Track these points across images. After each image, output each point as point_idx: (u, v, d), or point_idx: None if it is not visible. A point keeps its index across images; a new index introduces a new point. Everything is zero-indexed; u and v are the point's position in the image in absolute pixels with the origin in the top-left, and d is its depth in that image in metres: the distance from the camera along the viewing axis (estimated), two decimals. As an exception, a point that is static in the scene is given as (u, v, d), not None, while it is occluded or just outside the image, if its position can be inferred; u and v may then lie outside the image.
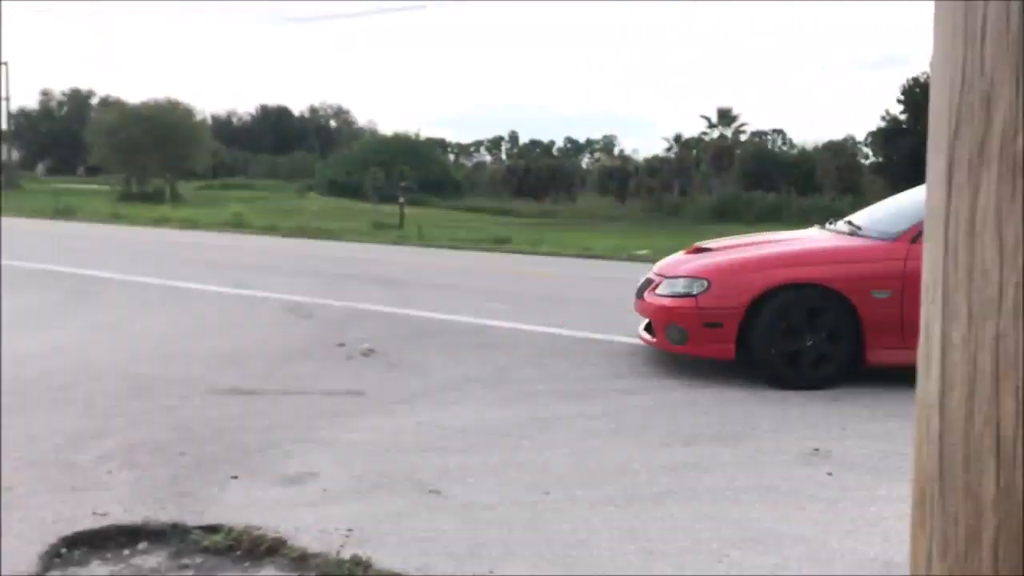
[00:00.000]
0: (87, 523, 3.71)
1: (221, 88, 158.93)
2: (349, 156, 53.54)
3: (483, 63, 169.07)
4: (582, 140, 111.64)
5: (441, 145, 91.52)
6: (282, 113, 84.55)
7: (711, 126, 57.63)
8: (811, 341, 5.83)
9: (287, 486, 4.17)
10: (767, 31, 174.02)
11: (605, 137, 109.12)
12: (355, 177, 44.10)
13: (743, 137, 59.44)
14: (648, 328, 6.42)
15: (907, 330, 5.96)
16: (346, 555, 3.38)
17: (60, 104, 68.03)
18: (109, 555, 3.52)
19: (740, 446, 4.83)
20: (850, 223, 6.74)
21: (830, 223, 7.08)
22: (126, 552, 3.54)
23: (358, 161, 48.80)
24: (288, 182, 53.83)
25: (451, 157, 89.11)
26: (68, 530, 3.64)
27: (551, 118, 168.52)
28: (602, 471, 4.41)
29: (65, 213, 26.37)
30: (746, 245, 6.82)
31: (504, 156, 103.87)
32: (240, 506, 3.92)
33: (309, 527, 3.68)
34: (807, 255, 6.29)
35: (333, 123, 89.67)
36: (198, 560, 3.48)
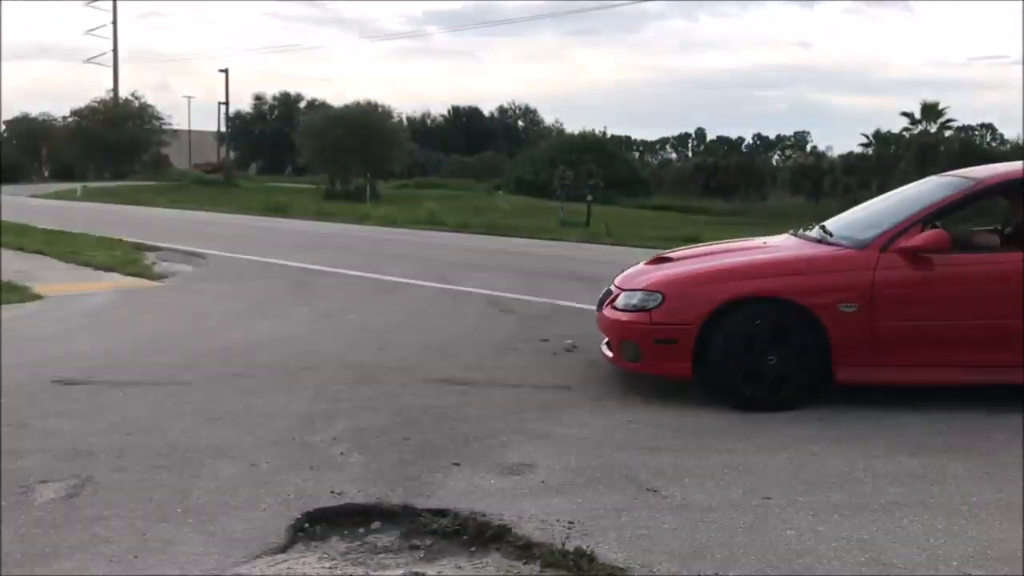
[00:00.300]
0: (326, 501, 3.97)
1: (416, 90, 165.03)
2: (537, 155, 54.20)
3: (666, 59, 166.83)
4: (772, 136, 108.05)
5: (627, 143, 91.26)
6: (473, 114, 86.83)
7: (914, 122, 54.31)
8: (773, 358, 5.33)
9: (506, 475, 4.29)
10: (968, 24, 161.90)
11: (797, 134, 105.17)
12: (542, 176, 44.63)
13: (948, 133, 55.61)
14: (609, 344, 6.01)
15: (878, 346, 5.40)
16: (570, 547, 3.44)
17: (272, 108, 72.74)
18: (346, 532, 3.75)
19: (973, 459, 4.55)
20: (823, 228, 6.23)
21: (804, 228, 6.48)
22: (361, 530, 3.76)
23: (545, 160, 49.33)
24: (478, 181, 55.18)
25: (636, 155, 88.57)
26: (310, 506, 3.90)
27: (740, 115, 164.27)
28: (824, 478, 4.27)
29: (276, 210, 28.17)
30: (707, 254, 6.37)
31: (690, 153, 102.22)
32: (463, 492, 4.07)
33: (531, 517, 3.77)
34: (767, 265, 5.81)
35: (521, 123, 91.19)
36: (427, 542, 3.64)
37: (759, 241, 6.69)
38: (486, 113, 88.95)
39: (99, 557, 3.37)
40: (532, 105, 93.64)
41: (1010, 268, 5.44)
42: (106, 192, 39.97)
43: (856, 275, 5.43)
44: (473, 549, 3.58)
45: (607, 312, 5.86)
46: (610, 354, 5.92)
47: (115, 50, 64.59)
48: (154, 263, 12.88)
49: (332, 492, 4.05)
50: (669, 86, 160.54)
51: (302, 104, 72.53)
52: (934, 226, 5.59)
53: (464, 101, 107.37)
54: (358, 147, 44.25)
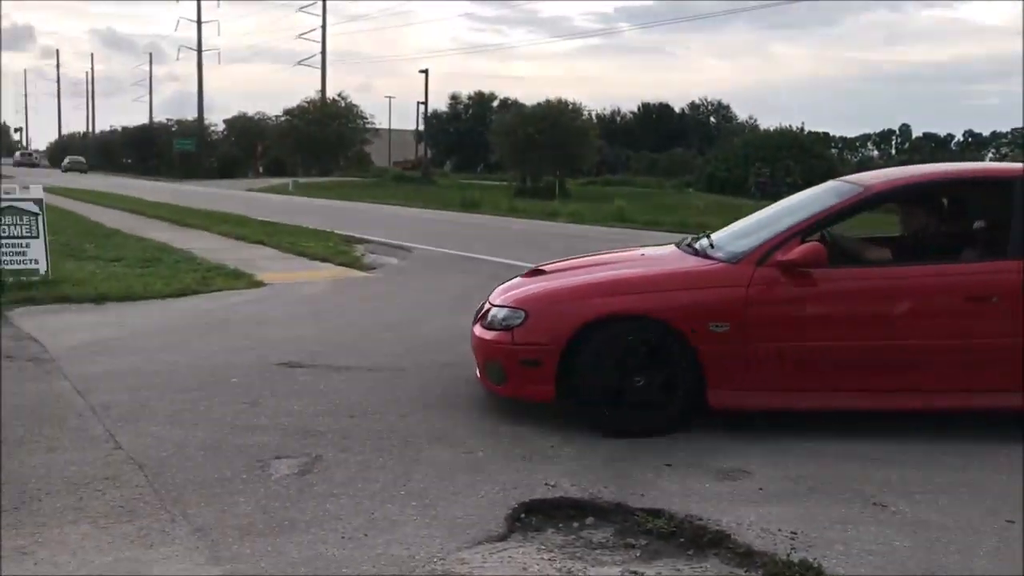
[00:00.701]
0: (541, 492, 4.02)
1: (606, 88, 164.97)
2: (730, 152, 52.87)
3: (869, 53, 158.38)
4: (985, 133, 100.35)
5: (825, 140, 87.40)
6: (663, 111, 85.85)
7: None
8: (641, 382, 4.84)
9: (721, 480, 4.19)
10: None
11: (1015, 130, 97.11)
12: (736, 173, 43.50)
13: None
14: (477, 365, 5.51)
15: (752, 368, 4.85)
16: (795, 558, 3.31)
17: (466, 107, 74.87)
18: (561, 525, 3.77)
19: None
20: (708, 239, 5.62)
21: (694, 239, 5.79)
22: (575, 524, 3.78)
23: (739, 157, 48.04)
24: (666, 179, 54.49)
25: (835, 152, 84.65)
26: (525, 497, 3.96)
27: (948, 111, 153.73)
28: (1076, 504, 3.90)
29: (470, 206, 28.91)
30: (580, 268, 5.81)
31: (893, 151, 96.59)
32: (677, 493, 4.01)
33: (751, 524, 3.66)
34: (635, 281, 5.26)
35: (712, 120, 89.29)
36: (642, 541, 3.61)
37: (638, 252, 6.19)
38: (676, 110, 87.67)
39: (332, 533, 3.55)
40: (724, 101, 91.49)
41: (900, 284, 4.93)
42: (314, 187, 42.43)
43: (728, 292, 4.90)
44: (690, 552, 3.51)
45: (475, 329, 5.39)
46: (479, 375, 5.43)
47: (323, 53, 68.41)
48: (363, 255, 13.52)
49: (546, 484, 4.10)
50: (871, 81, 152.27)
51: (495, 103, 74.14)
52: (822, 238, 5.24)
53: (654, 98, 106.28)
54: (548, 145, 44.71)
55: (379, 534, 3.55)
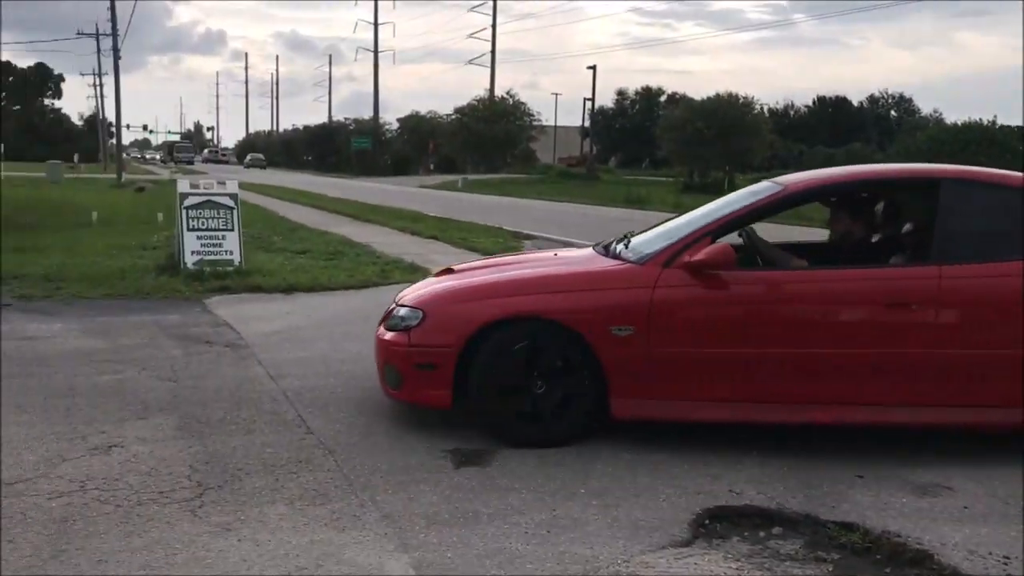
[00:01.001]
0: (725, 499, 3.90)
1: (779, 81, 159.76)
2: (912, 147, 50.06)
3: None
4: None
5: (1021, 134, 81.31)
6: (840, 104, 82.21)
7: None
8: (542, 389, 4.53)
9: (920, 495, 3.94)
10: None
11: None
12: (919, 169, 41.16)
13: None
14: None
15: (657, 376, 4.48)
16: (1009, 585, 3.07)
17: (632, 103, 74.33)
18: (746, 533, 3.65)
19: None
20: (626, 240, 5.22)
21: (617, 240, 5.30)
22: (762, 534, 3.64)
23: (923, 153, 45.43)
24: (844, 175, 52.14)
25: (1033, 146, 78.52)
26: (709, 503, 3.86)
27: None
28: None
29: (635, 202, 28.69)
30: (489, 268, 5.49)
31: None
32: (871, 507, 3.81)
33: (956, 545, 3.43)
34: (536, 281, 4.93)
35: (893, 113, 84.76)
36: (835, 556, 3.44)
37: (551, 253, 5.87)
38: (855, 103, 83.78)
39: (515, 527, 3.58)
40: (907, 94, 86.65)
41: (814, 289, 4.57)
42: (482, 184, 43.25)
43: (632, 294, 4.57)
44: (888, 571, 3.32)
45: (378, 330, 5.11)
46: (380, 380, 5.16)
47: (493, 51, 69.65)
48: (531, 250, 13.63)
49: (731, 491, 3.98)
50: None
51: (662, 98, 73.20)
52: (747, 241, 4.92)
53: (830, 90, 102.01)
54: (717, 140, 43.79)
55: (562, 531, 3.54)
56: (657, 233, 5.22)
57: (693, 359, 4.52)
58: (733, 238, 4.92)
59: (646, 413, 4.59)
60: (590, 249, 5.55)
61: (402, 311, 4.93)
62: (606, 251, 5.21)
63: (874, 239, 5.30)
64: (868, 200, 5.40)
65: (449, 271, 5.74)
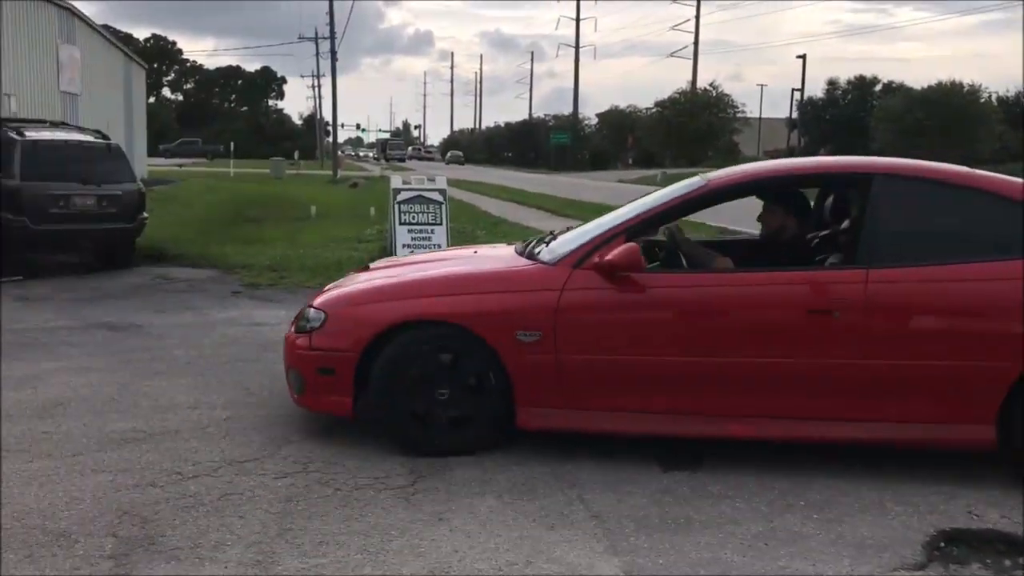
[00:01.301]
0: (963, 522, 3.57)
1: (1009, 67, 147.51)
2: None
3: None
4: None
5: None
6: (1083, 89, 74.69)
7: None
8: (444, 395, 4.27)
9: None
10: None
11: None
12: None
13: None
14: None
15: (565, 384, 4.18)
16: None
17: (844, 92, 70.72)
18: (989, 560, 3.32)
19: None
20: (551, 238, 4.87)
21: (544, 238, 4.96)
22: (1007, 563, 3.30)
23: None
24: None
25: None
26: (945, 524, 3.55)
27: None
28: None
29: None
30: (403, 266, 5.19)
31: None
32: None
33: None
34: (443, 283, 4.64)
35: None
36: (1097, 594, 3.05)
37: (470, 250, 5.53)
38: (1101, 87, 75.76)
39: (729, 537, 3.42)
40: None
41: (733, 292, 4.16)
42: (682, 178, 42.46)
43: (538, 296, 4.25)
44: None
45: (288, 332, 4.79)
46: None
47: (696, 43, 68.16)
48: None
49: (969, 512, 3.64)
50: None
51: (877, 87, 69.23)
52: (672, 240, 4.56)
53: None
54: (940, 130, 40.97)
55: (780, 545, 3.36)
56: (579, 232, 4.83)
57: (603, 367, 4.22)
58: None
59: (553, 423, 4.30)
60: (509, 247, 5.23)
61: (310, 312, 4.69)
62: (523, 250, 4.87)
63: (812, 238, 4.79)
64: (792, 195, 4.96)
65: (365, 269, 5.55)
